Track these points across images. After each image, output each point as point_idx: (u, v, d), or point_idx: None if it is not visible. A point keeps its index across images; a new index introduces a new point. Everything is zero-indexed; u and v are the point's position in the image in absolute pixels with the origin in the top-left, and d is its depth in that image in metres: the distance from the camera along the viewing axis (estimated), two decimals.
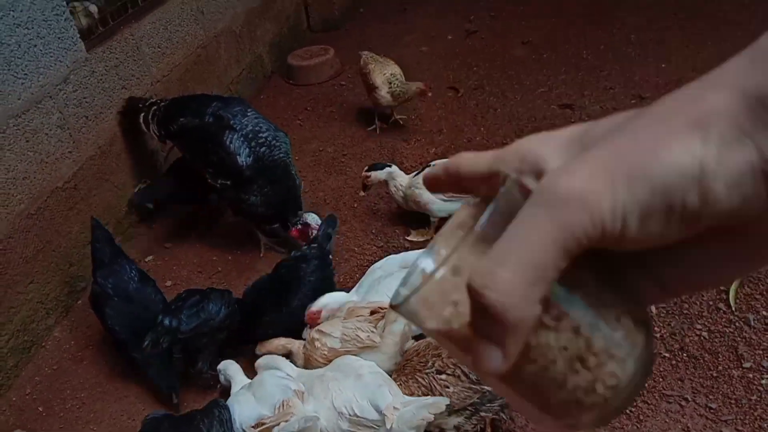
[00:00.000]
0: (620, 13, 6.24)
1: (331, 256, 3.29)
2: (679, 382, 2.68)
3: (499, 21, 6.64)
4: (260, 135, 3.53)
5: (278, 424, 2.33)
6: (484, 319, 0.38)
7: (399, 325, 2.56)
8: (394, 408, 2.23)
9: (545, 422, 0.45)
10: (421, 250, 3.00)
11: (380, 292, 2.93)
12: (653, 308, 2.99)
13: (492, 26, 6.55)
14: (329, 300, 3.01)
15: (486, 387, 2.33)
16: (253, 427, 2.32)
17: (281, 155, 3.56)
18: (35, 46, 3.33)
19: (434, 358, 2.44)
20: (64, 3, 3.53)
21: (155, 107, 3.82)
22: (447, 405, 2.29)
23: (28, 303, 3.33)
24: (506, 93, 5.22)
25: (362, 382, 2.38)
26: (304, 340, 2.87)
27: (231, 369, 2.78)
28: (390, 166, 3.74)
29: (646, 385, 2.65)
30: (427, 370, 2.43)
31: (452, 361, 2.38)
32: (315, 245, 3.18)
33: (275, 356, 2.77)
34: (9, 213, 3.20)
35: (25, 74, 3.28)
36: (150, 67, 4.30)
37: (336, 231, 3.41)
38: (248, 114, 3.61)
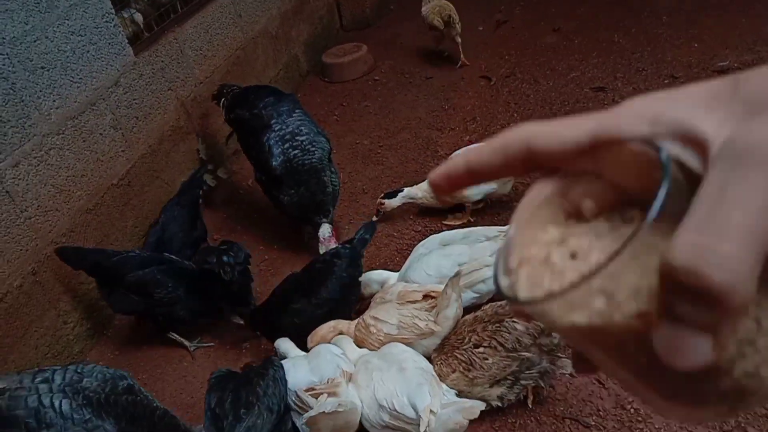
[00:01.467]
0: None
1: (362, 259, 3.29)
2: None
3: (529, 10, 6.70)
4: (297, 138, 3.59)
5: (324, 395, 2.46)
6: (695, 305, 0.32)
7: (452, 309, 2.62)
8: (431, 411, 2.27)
9: (692, 414, 0.40)
10: (482, 229, 3.07)
11: (418, 269, 3.05)
12: None
13: (522, 15, 6.61)
14: (365, 279, 3.18)
15: (524, 354, 2.41)
16: (305, 391, 2.46)
17: (314, 160, 3.56)
18: (88, 51, 3.55)
19: (470, 334, 2.53)
20: (113, 11, 3.74)
21: (229, 94, 4.08)
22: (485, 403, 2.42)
23: (90, 293, 3.54)
24: (538, 79, 5.28)
25: (404, 377, 2.44)
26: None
27: (285, 345, 2.95)
28: (402, 190, 3.83)
29: None
30: (465, 346, 2.52)
31: (487, 333, 2.46)
32: (350, 246, 3.21)
33: (341, 336, 2.86)
34: (70, 209, 3.42)
35: (80, 78, 3.50)
36: (193, 69, 4.50)
37: (372, 236, 3.37)
38: (294, 114, 3.69)
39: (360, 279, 3.16)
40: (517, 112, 4.89)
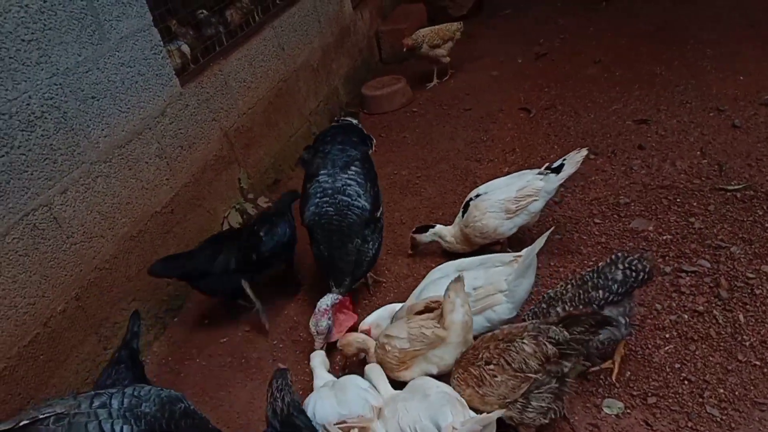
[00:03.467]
0: (693, 29, 6.18)
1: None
2: None
3: (569, 43, 6.69)
4: (337, 196, 3.43)
5: (355, 430, 2.45)
6: None
7: (458, 314, 2.64)
8: (453, 428, 2.29)
9: None
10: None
11: (433, 291, 3.03)
12: (741, 317, 2.94)
13: (562, 48, 6.60)
14: (375, 318, 3.17)
15: (531, 376, 2.39)
16: (335, 425, 2.43)
17: (343, 225, 3.40)
18: (137, 82, 3.65)
19: (484, 351, 2.52)
20: (161, 43, 3.85)
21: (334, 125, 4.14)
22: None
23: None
24: (579, 111, 5.24)
25: (427, 402, 2.45)
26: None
27: (315, 361, 2.97)
28: (433, 226, 3.79)
29: (737, 393, 2.60)
30: (478, 362, 2.51)
31: (498, 350, 2.46)
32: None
33: (376, 373, 2.81)
34: (114, 235, 3.49)
35: (128, 108, 3.59)
36: (237, 100, 4.59)
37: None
38: (349, 171, 3.53)
39: (368, 323, 3.16)
40: (558, 144, 4.84)
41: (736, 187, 3.83)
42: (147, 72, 3.74)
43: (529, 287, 2.95)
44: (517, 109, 5.58)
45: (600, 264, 2.73)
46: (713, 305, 3.05)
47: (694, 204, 3.79)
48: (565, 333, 2.39)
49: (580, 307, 2.62)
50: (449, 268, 3.21)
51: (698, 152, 4.28)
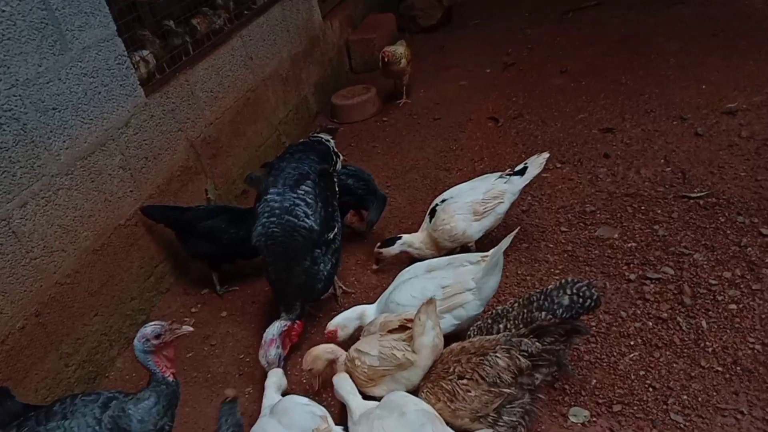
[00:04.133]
0: (658, 39, 6.29)
1: None
2: (734, 395, 2.64)
3: (536, 52, 6.76)
4: (284, 216, 3.31)
5: None
6: None
7: (428, 337, 2.60)
8: None
9: None
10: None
11: (404, 291, 3.05)
12: (704, 323, 2.98)
13: (529, 58, 6.67)
14: (341, 320, 3.15)
15: (505, 390, 2.38)
16: None
17: (289, 247, 3.29)
18: (100, 93, 3.59)
19: (455, 364, 2.51)
20: (125, 53, 3.80)
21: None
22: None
23: (93, 335, 3.51)
24: (546, 120, 5.29)
25: (405, 420, 2.40)
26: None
27: (269, 380, 2.91)
28: (400, 237, 3.77)
29: (700, 399, 2.63)
30: (450, 377, 2.50)
31: (471, 365, 2.45)
32: None
33: (346, 385, 2.75)
34: (76, 249, 3.42)
35: (91, 119, 3.53)
36: (204, 110, 4.55)
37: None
38: (299, 190, 3.41)
39: (334, 324, 3.14)
40: (525, 153, 4.87)
41: (698, 194, 3.90)
42: (111, 82, 3.68)
43: (495, 285, 2.99)
44: (486, 119, 5.62)
45: (549, 286, 2.74)
46: (677, 312, 3.09)
47: (658, 211, 3.85)
48: (537, 344, 2.41)
49: (521, 326, 2.63)
50: (419, 268, 3.23)
51: (662, 160, 4.35)
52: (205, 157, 4.54)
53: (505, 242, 2.85)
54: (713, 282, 3.21)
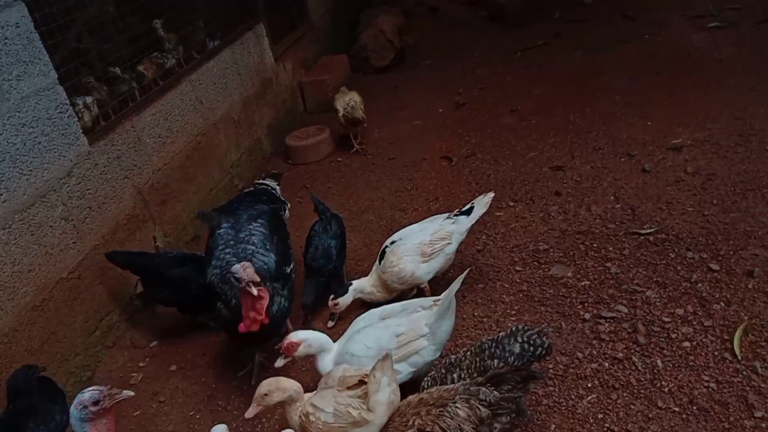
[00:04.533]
0: (603, 78, 6.48)
1: None
2: None
3: (487, 92, 6.88)
4: (240, 245, 3.25)
5: None
6: None
7: (384, 394, 2.53)
8: None
9: None
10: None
11: (358, 342, 2.98)
12: (659, 362, 2.98)
13: (480, 97, 6.78)
14: (309, 336, 3.01)
15: None
16: None
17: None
18: (40, 143, 3.47)
19: (414, 417, 2.44)
20: (67, 101, 3.69)
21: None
22: None
23: None
24: (498, 159, 5.34)
25: None
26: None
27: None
28: (351, 283, 3.71)
29: None
30: (409, 430, 2.43)
31: (430, 417, 2.39)
32: None
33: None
34: (14, 306, 3.25)
35: (30, 170, 3.40)
36: (151, 156, 4.44)
37: None
38: (255, 222, 3.39)
39: (299, 337, 2.98)
40: (479, 192, 4.84)
41: (648, 230, 3.95)
42: (51, 132, 3.57)
43: (449, 328, 2.95)
44: (440, 158, 5.65)
45: (500, 333, 2.73)
46: (632, 351, 3.09)
47: (610, 249, 3.89)
48: (495, 393, 2.37)
49: (475, 375, 2.59)
50: (373, 316, 3.15)
51: (612, 197, 4.42)
52: (153, 204, 4.42)
53: (455, 285, 2.83)
54: (666, 319, 3.23)
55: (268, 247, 3.29)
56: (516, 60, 7.64)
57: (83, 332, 3.71)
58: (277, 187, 4.12)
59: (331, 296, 3.68)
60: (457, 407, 2.37)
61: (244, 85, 5.88)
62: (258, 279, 2.88)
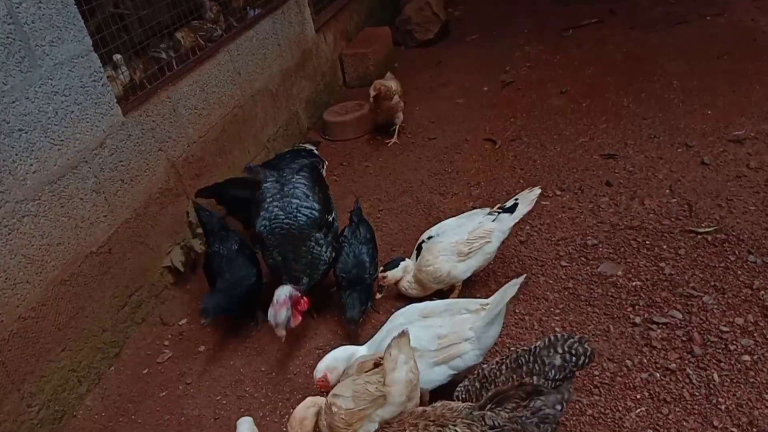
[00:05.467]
0: (661, 60, 6.12)
1: None
2: None
3: (535, 71, 6.57)
4: (285, 199, 3.45)
5: None
6: None
7: (400, 372, 2.40)
8: None
9: None
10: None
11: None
12: (716, 376, 2.77)
13: (528, 77, 6.48)
14: (330, 361, 2.88)
15: None
16: None
17: (293, 227, 3.38)
18: (72, 112, 3.36)
19: (412, 428, 2.29)
20: (101, 69, 3.57)
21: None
22: None
23: (59, 371, 3.27)
24: (545, 144, 5.09)
25: None
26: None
27: (239, 429, 2.69)
28: (404, 259, 3.57)
29: None
30: None
31: (430, 430, 2.25)
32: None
33: None
34: (42, 280, 3.17)
35: (62, 140, 3.30)
36: (187, 128, 4.32)
37: None
38: (297, 175, 3.58)
39: (321, 370, 2.86)
40: (523, 178, 4.67)
41: (706, 229, 3.70)
42: (85, 101, 3.45)
43: (496, 334, 2.79)
44: (483, 140, 5.41)
45: (537, 344, 2.48)
46: (686, 362, 2.88)
47: (664, 247, 3.64)
48: (503, 414, 2.19)
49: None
50: (413, 313, 2.98)
51: (667, 190, 4.15)
52: (187, 178, 4.31)
53: (510, 291, 2.64)
54: (724, 329, 3.00)
55: (310, 197, 3.50)
56: (567, 38, 7.29)
57: (111, 308, 3.64)
58: (315, 150, 4.22)
59: (381, 267, 3.58)
60: (456, 429, 2.21)
61: (283, 57, 5.70)
62: (283, 324, 3.17)
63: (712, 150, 4.49)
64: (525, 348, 2.50)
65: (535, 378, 2.36)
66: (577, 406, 2.75)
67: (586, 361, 2.41)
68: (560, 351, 2.40)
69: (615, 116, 5.26)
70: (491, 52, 7.37)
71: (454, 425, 2.21)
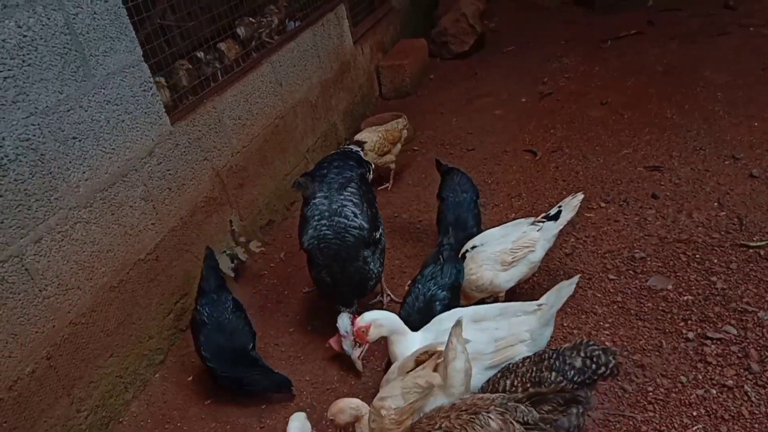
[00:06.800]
0: (703, 71, 6.02)
1: None
2: None
3: (574, 82, 6.52)
4: (335, 218, 3.38)
5: None
6: None
7: (460, 361, 2.42)
8: None
9: None
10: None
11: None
12: None
13: (567, 88, 6.43)
14: (378, 316, 2.87)
15: None
16: None
17: (342, 248, 3.35)
18: (123, 121, 3.42)
19: (443, 420, 2.26)
20: (151, 79, 3.63)
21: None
22: None
23: (107, 377, 3.30)
24: (587, 155, 5.03)
25: None
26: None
27: (291, 424, 2.69)
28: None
29: None
30: (436, 430, 2.25)
31: (460, 421, 2.21)
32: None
33: None
34: (93, 286, 3.22)
35: (113, 149, 3.35)
36: (231, 138, 4.36)
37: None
38: (345, 191, 3.49)
39: (367, 320, 2.87)
40: (566, 190, 4.61)
41: (758, 243, 3.60)
42: (135, 110, 3.51)
43: (549, 335, 2.80)
44: (522, 151, 5.38)
45: (564, 345, 2.49)
46: (744, 379, 2.79)
47: (715, 261, 3.56)
48: (534, 413, 2.16)
49: (528, 386, 2.40)
50: (463, 317, 2.95)
51: (715, 203, 4.06)
52: (230, 187, 4.35)
53: (566, 290, 2.69)
54: None
55: (359, 216, 3.44)
56: (605, 49, 7.23)
57: (158, 315, 3.67)
58: (361, 151, 4.14)
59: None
60: (490, 417, 2.17)
61: (323, 68, 5.74)
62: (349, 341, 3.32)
63: (760, 162, 4.39)
64: (552, 348, 2.51)
65: (553, 374, 2.37)
66: (631, 423, 2.69)
67: (607, 372, 2.39)
68: (582, 354, 2.41)
69: (658, 128, 5.18)
70: (528, 64, 7.34)
71: (488, 412, 2.18)
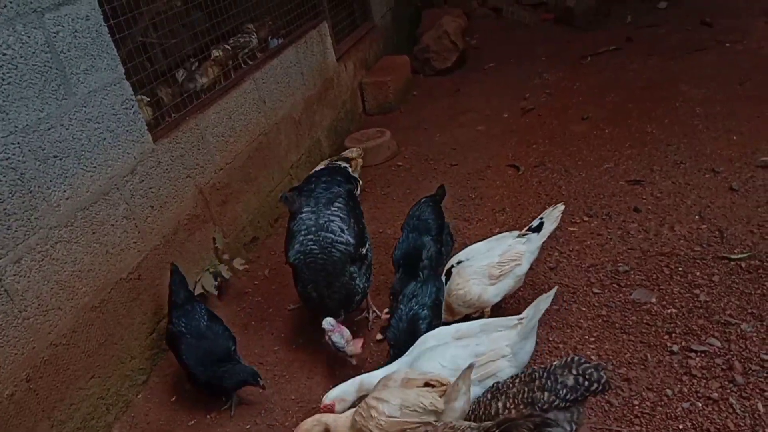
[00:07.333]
0: (682, 86, 6.11)
1: None
2: None
3: (556, 98, 6.59)
4: (321, 233, 3.38)
5: None
6: None
7: (460, 402, 2.44)
8: None
9: None
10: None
11: (431, 360, 2.79)
12: (760, 406, 2.70)
13: (548, 103, 6.49)
14: (338, 393, 2.87)
15: None
16: None
17: (328, 262, 3.36)
18: (104, 139, 3.39)
19: None
20: (133, 97, 3.61)
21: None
22: None
23: (88, 399, 3.24)
24: (569, 170, 5.07)
25: None
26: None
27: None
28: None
29: None
30: None
31: None
32: None
33: None
34: (74, 306, 3.17)
35: (94, 167, 3.32)
36: (214, 155, 4.34)
37: None
38: (333, 206, 3.49)
39: (331, 398, 2.85)
40: (549, 204, 4.57)
41: (739, 255, 3.64)
42: (117, 128, 3.48)
43: (531, 349, 2.80)
44: (505, 166, 5.41)
45: (554, 363, 2.46)
46: (728, 391, 2.81)
47: (698, 274, 3.59)
48: None
49: (521, 407, 2.38)
50: (445, 334, 2.96)
51: (697, 216, 4.11)
52: (214, 205, 4.32)
53: (544, 303, 2.69)
54: (766, 357, 2.93)
55: (346, 231, 3.44)
56: (585, 65, 7.33)
57: (140, 334, 3.62)
58: (349, 167, 4.10)
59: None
60: None
61: (306, 85, 5.75)
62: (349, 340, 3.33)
63: (740, 176, 4.45)
64: (542, 366, 2.49)
65: (546, 394, 2.35)
66: None
67: (599, 388, 2.38)
68: (574, 372, 2.39)
69: (639, 142, 5.24)
70: (509, 80, 7.42)
71: None
